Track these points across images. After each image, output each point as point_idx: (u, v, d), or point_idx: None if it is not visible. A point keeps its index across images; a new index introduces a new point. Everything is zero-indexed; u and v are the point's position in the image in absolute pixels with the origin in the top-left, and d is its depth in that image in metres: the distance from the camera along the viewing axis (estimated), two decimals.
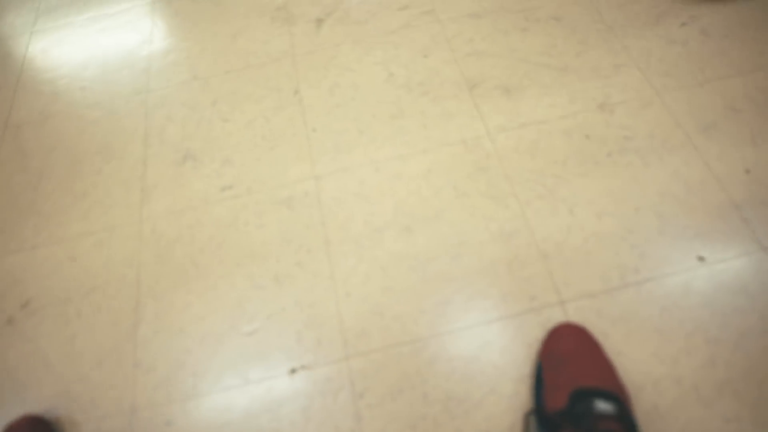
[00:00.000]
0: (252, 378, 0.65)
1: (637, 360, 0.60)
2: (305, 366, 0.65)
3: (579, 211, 0.71)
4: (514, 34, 0.91)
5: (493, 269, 0.68)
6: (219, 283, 0.72)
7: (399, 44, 0.93)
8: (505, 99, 0.83)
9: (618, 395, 0.53)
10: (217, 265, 0.74)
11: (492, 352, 0.63)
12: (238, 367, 0.66)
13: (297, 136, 0.85)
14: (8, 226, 0.82)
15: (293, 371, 0.65)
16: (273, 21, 1.01)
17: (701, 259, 0.66)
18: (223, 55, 0.98)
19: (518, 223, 0.71)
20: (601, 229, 0.69)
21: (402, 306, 0.67)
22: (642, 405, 0.58)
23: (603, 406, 0.51)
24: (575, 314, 0.64)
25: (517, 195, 0.73)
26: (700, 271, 0.65)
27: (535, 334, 0.63)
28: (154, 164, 0.85)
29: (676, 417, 0.57)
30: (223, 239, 0.76)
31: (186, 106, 0.91)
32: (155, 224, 0.79)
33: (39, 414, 0.65)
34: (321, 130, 0.84)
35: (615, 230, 0.69)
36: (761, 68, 0.81)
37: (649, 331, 0.62)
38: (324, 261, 0.72)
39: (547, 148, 0.77)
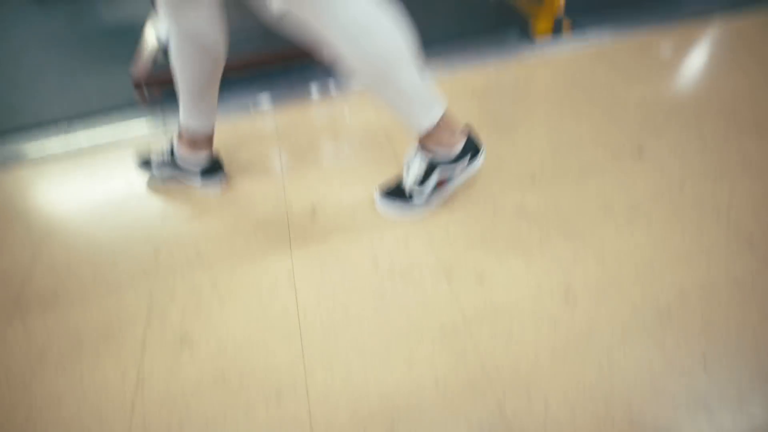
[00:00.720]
0: None
1: None
2: None
3: (553, 403, 0.75)
4: (484, 222, 1.03)
5: None
6: None
7: (384, 230, 1.05)
8: (478, 285, 0.92)
9: None
10: None
11: None
12: None
13: (289, 322, 0.91)
14: (1, 411, 0.84)
15: None
16: (274, 209, 1.14)
17: None
18: (228, 238, 1.09)
19: (494, 419, 0.74)
20: (575, 425, 0.72)
21: None
22: None
23: None
24: None
25: (493, 386, 0.78)
26: None
27: None
28: (152, 347, 0.90)
29: None
30: None
31: (188, 288, 0.99)
32: (146, 415, 0.81)
33: None
34: (311, 315, 0.91)
35: (589, 428, 0.72)
36: (701, 256, 0.91)
37: None
38: None
39: (520, 340, 0.83)
